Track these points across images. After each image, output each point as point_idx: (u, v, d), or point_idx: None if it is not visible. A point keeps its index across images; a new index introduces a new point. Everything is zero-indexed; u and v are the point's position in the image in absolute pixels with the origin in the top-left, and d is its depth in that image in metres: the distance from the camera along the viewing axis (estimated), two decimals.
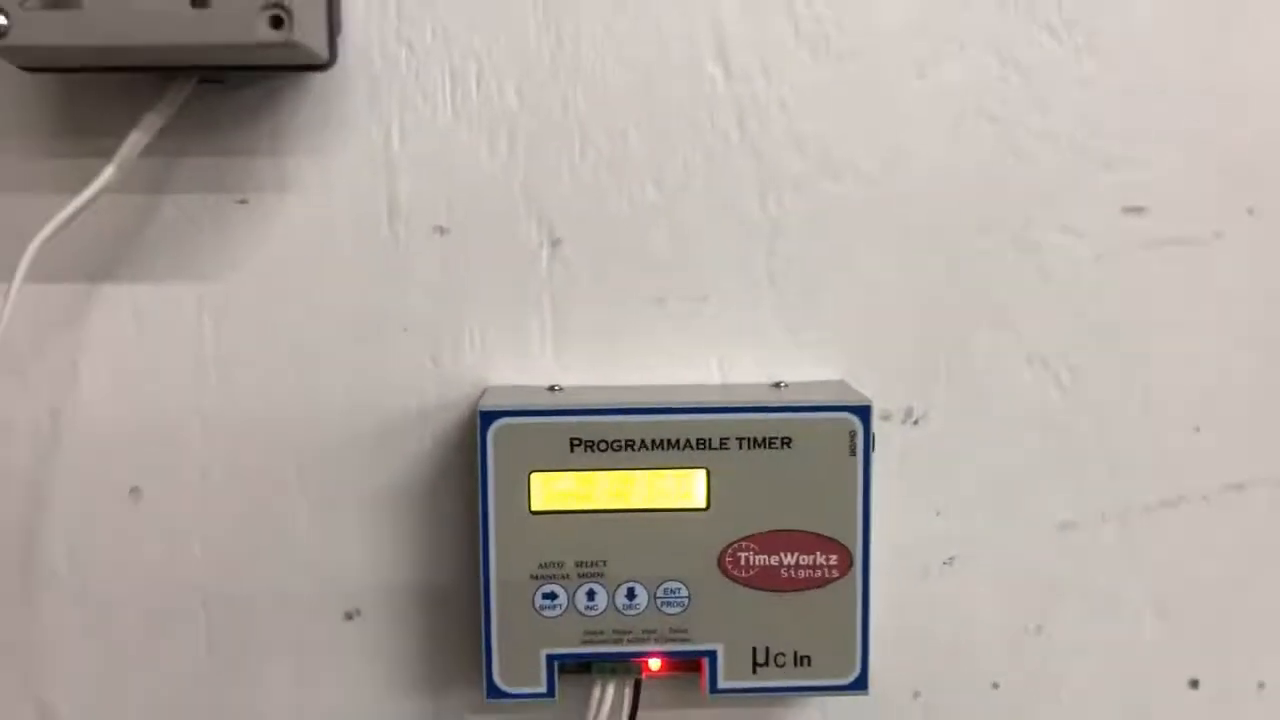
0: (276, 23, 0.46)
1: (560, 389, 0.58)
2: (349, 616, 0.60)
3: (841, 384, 0.59)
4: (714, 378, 0.60)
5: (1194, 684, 0.63)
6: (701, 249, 0.59)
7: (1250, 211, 0.60)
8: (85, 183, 0.53)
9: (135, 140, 0.53)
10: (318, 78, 0.56)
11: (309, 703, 0.61)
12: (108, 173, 0.52)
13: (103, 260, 0.58)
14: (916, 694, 0.62)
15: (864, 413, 0.55)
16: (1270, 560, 0.62)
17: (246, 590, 0.60)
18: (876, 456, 0.56)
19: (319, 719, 0.61)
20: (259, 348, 0.59)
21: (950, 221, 0.59)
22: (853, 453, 0.55)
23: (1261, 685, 0.63)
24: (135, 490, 0.59)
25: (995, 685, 0.62)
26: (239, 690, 0.60)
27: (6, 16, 0.46)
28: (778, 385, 0.59)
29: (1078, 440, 0.61)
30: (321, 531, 0.60)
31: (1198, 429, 0.61)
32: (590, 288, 0.59)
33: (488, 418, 0.54)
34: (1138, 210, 0.59)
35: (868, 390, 0.58)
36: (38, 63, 0.52)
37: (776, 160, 0.58)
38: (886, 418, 0.60)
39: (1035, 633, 0.62)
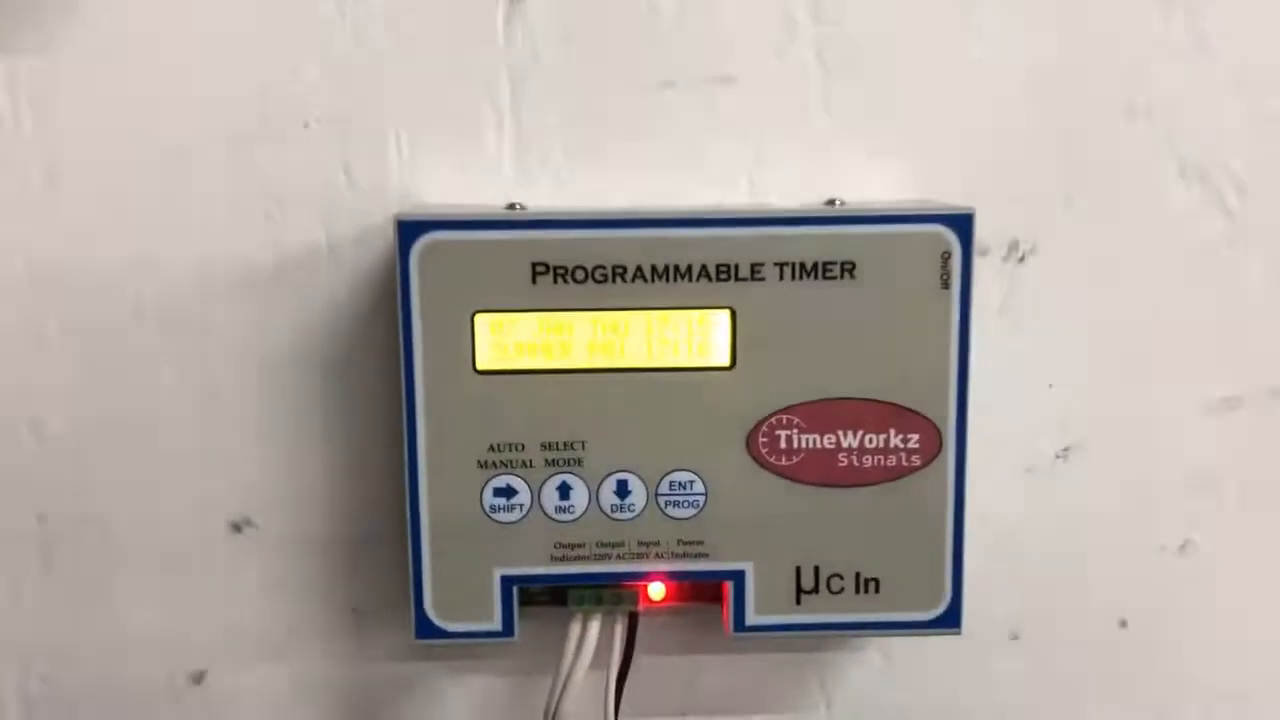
0: None
1: (522, 208, 0.41)
2: (236, 528, 0.44)
3: (923, 202, 0.42)
4: (741, 194, 0.43)
5: None
6: (724, 9, 0.41)
7: None
8: None
9: None
10: None
11: (182, 640, 0.45)
12: None
13: None
14: (1015, 634, 0.46)
15: (963, 225, 0.38)
16: None
17: (94, 487, 0.44)
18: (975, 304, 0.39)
19: (195, 663, 0.45)
20: (97, 147, 0.42)
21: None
22: (945, 285, 0.38)
23: None
24: None
25: (1123, 623, 0.46)
26: (87, 620, 0.45)
27: None
28: (832, 204, 0.41)
29: (1245, 286, 0.44)
30: (196, 410, 0.43)
31: None
32: (566, 65, 0.42)
33: (412, 231, 0.37)
34: None
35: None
36: None
37: None
38: (983, 253, 0.43)
39: (1179, 552, 0.46)
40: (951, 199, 0.42)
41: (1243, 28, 0.42)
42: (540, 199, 0.42)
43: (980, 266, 0.43)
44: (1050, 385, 0.44)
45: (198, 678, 0.45)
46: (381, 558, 0.44)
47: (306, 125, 0.42)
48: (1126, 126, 0.43)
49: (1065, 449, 0.45)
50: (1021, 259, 0.44)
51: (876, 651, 0.46)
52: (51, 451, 0.44)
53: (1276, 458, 0.45)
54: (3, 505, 0.44)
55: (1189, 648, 0.46)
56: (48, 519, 0.44)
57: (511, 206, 0.41)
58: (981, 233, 0.42)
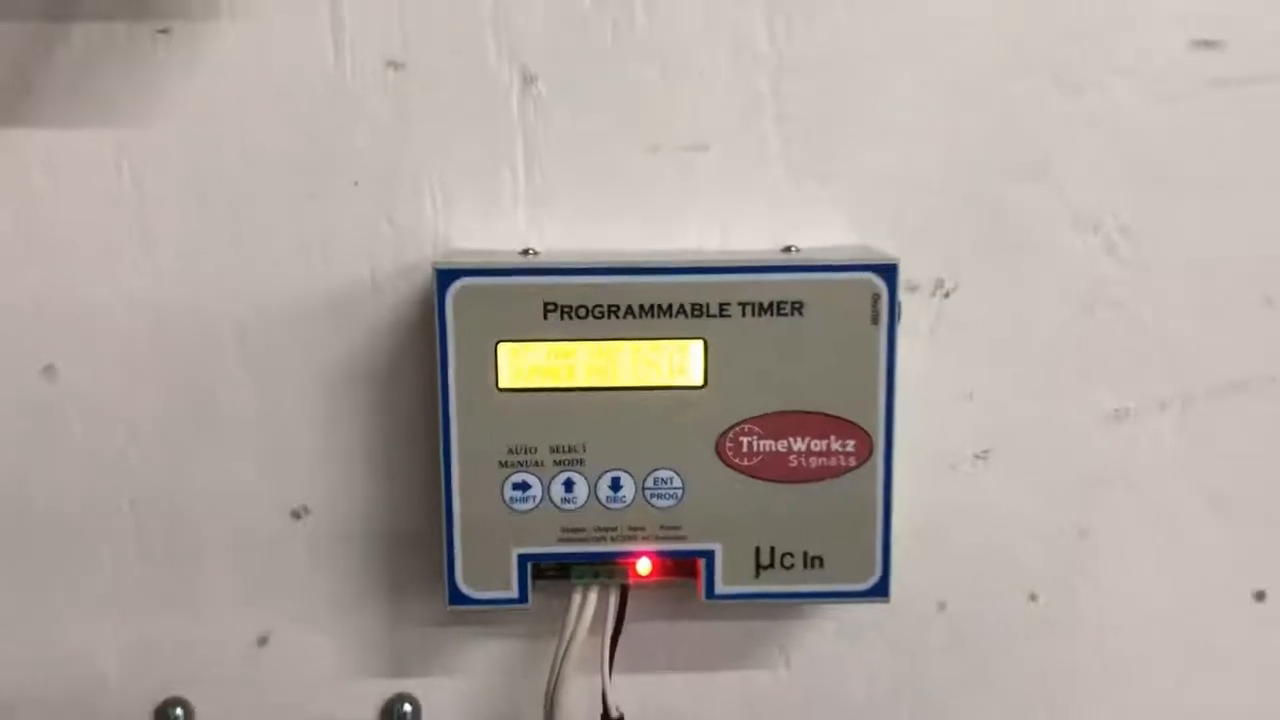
0: None
1: (535, 253, 0.50)
2: (296, 515, 0.53)
3: (862, 249, 0.51)
4: (714, 241, 0.52)
5: (1260, 596, 0.55)
6: (700, 88, 0.51)
7: None
8: None
9: None
10: None
11: (252, 611, 0.54)
12: None
13: (2, 102, 0.50)
14: (942, 605, 0.55)
15: (889, 273, 0.47)
16: None
17: (180, 484, 0.53)
18: (901, 332, 0.48)
19: (262, 629, 0.54)
20: (187, 203, 0.51)
21: (985, 59, 0.51)
22: (875, 320, 0.47)
23: None
24: (49, 369, 0.52)
25: (1033, 597, 0.55)
26: (174, 595, 0.53)
27: None
28: (789, 250, 0.50)
29: (1131, 315, 0.53)
30: (264, 418, 0.52)
31: (1269, 301, 0.53)
32: (570, 134, 0.51)
33: (447, 277, 0.46)
34: (1210, 44, 0.51)
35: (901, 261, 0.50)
36: None
37: None
38: (913, 289, 0.52)
39: (1079, 537, 0.55)
40: (886, 246, 0.51)
41: (1127, 101, 0.51)
42: (549, 243, 0.51)
43: (913, 300, 0.52)
44: (970, 397, 0.53)
45: (263, 640, 0.54)
46: (416, 540, 0.53)
47: (356, 183, 0.51)
48: (1031, 191, 0.52)
49: (984, 451, 0.54)
50: (946, 294, 0.53)
51: (828, 619, 0.55)
52: (143, 449, 0.52)
53: (1161, 458, 0.54)
54: (100, 491, 0.53)
55: (1089, 617, 0.55)
56: (139, 506, 0.53)
57: (525, 251, 0.50)
58: (913, 273, 0.52)
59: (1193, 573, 0.55)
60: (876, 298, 0.47)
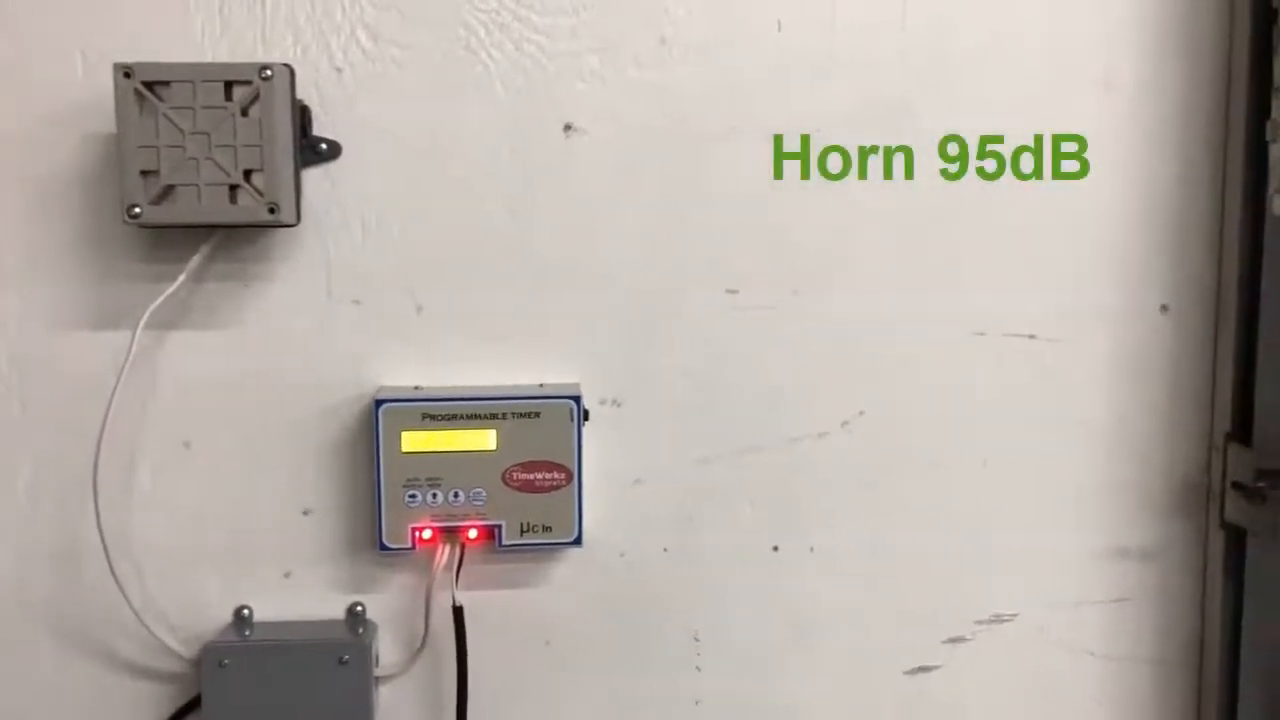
0: (271, 210, 0.96)
1: (420, 388, 1.08)
2: (306, 513, 1.10)
3: (575, 384, 1.10)
4: (509, 380, 1.10)
5: (775, 549, 1.14)
6: (500, 311, 1.09)
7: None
8: (168, 280, 1.02)
9: (195, 261, 1.02)
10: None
11: (282, 560, 1.10)
12: (181, 278, 1.02)
13: (173, 315, 1.07)
14: (622, 554, 1.13)
15: (578, 400, 1.05)
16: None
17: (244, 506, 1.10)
18: (594, 423, 1.07)
19: (286, 569, 1.10)
20: (261, 366, 1.08)
21: (636, 303, 1.10)
22: (572, 420, 1.05)
23: (812, 549, 1.14)
24: (187, 444, 1.08)
25: (665, 550, 1.13)
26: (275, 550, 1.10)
27: (140, 208, 0.95)
28: (541, 385, 1.09)
29: (708, 417, 1.12)
30: (298, 462, 1.09)
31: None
32: (443, 332, 1.09)
33: (379, 403, 1.04)
34: (732, 290, 1.11)
35: (594, 390, 1.09)
36: (147, 224, 1.00)
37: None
38: (602, 402, 1.11)
39: (687, 521, 1.13)
40: (590, 383, 1.09)
41: (702, 323, 1.11)
42: (428, 382, 1.09)
43: (600, 408, 1.10)
44: (629, 454, 1.11)
45: (288, 575, 1.10)
46: (363, 523, 1.09)
47: (337, 350, 1.08)
48: (658, 362, 1.11)
49: (637, 480, 1.12)
50: (617, 405, 1.11)
51: (559, 559, 1.12)
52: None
53: (724, 485, 1.13)
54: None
55: (697, 563, 1.13)
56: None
57: (415, 387, 1.08)
58: (602, 394, 1.10)
59: (743, 539, 1.13)
60: (572, 411, 1.05)
